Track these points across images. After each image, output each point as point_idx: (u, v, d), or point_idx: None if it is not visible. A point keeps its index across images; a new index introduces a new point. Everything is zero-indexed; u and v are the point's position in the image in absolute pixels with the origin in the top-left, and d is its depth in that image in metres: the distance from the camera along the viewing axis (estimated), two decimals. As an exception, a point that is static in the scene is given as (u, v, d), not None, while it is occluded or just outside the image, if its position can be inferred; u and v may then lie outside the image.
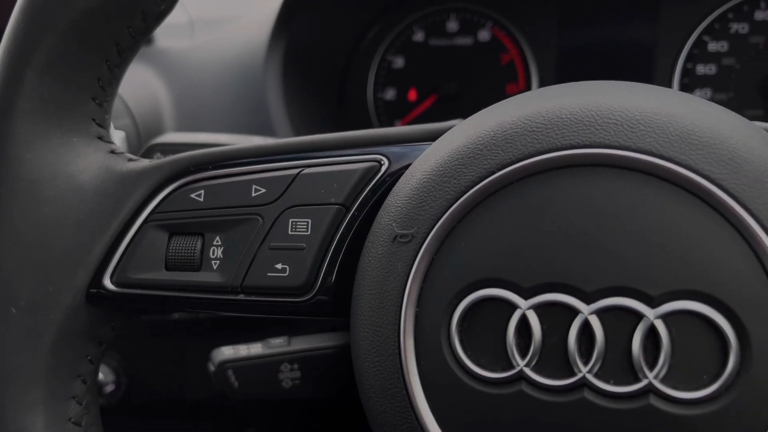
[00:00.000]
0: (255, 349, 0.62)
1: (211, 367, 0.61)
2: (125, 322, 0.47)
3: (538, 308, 0.32)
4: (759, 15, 0.81)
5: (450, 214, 0.34)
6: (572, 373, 0.31)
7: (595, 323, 0.31)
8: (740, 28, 0.82)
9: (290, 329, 0.69)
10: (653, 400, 0.30)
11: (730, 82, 0.82)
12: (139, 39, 0.45)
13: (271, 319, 0.73)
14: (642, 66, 0.85)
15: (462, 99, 0.92)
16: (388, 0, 0.93)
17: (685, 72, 0.84)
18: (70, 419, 0.43)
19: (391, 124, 0.95)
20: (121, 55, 0.44)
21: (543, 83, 0.88)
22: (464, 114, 0.44)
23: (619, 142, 0.32)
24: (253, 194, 0.43)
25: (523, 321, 0.32)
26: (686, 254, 0.30)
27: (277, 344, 0.62)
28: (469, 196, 0.34)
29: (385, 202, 0.39)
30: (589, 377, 0.31)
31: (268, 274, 0.41)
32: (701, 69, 0.83)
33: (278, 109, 0.82)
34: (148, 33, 0.45)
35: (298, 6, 0.83)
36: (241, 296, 0.42)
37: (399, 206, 0.36)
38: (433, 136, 0.42)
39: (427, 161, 0.37)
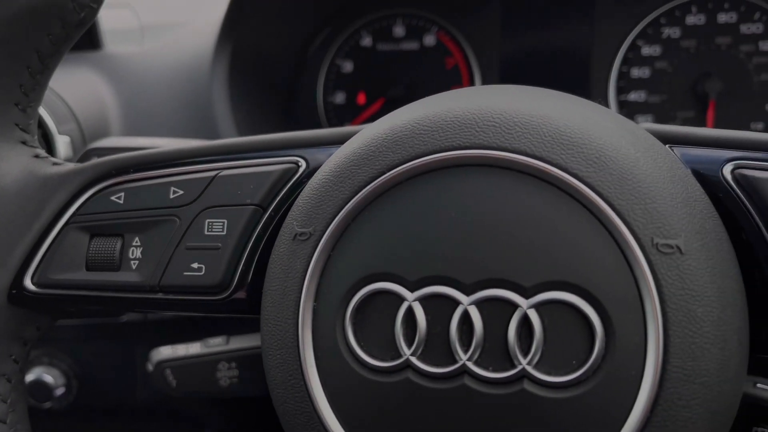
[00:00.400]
0: (193, 348, 0.63)
1: (150, 367, 0.63)
2: (51, 323, 0.48)
3: (423, 300, 0.34)
4: (690, 19, 0.84)
5: (345, 212, 0.36)
6: (454, 361, 0.33)
7: (474, 313, 0.33)
8: (672, 32, 0.85)
9: (235, 329, 0.70)
10: (527, 385, 0.32)
11: (663, 84, 0.85)
12: (61, 46, 0.46)
13: (219, 319, 0.74)
14: (580, 69, 0.88)
15: (409, 102, 0.94)
16: (335, 6, 0.95)
17: (621, 75, 0.86)
18: None
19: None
20: (42, 61, 0.45)
21: (486, 84, 0.91)
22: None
23: (496, 144, 0.34)
24: (171, 196, 0.44)
25: (410, 312, 0.34)
26: (557, 248, 0.32)
27: (216, 343, 0.64)
28: (361, 196, 0.36)
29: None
30: (469, 365, 0.33)
31: (185, 273, 0.43)
32: (636, 72, 0.86)
33: (224, 114, 0.83)
34: (70, 40, 0.46)
35: (243, 12, 0.84)
36: (160, 295, 0.43)
37: (300, 206, 0.38)
38: (347, 139, 0.44)
39: (328, 163, 0.39)
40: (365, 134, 0.38)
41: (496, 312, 0.33)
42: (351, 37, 0.96)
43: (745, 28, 0.83)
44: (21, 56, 0.44)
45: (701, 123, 0.84)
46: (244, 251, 0.43)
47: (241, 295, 0.43)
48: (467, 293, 0.33)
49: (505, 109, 0.35)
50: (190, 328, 0.79)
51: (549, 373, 0.32)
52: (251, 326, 0.71)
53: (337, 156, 0.38)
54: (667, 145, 0.41)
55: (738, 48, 0.83)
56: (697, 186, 0.36)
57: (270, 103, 0.93)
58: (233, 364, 0.63)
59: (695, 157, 0.40)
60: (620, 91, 0.87)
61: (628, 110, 0.86)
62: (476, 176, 0.34)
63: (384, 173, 0.35)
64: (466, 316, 0.33)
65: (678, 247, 0.32)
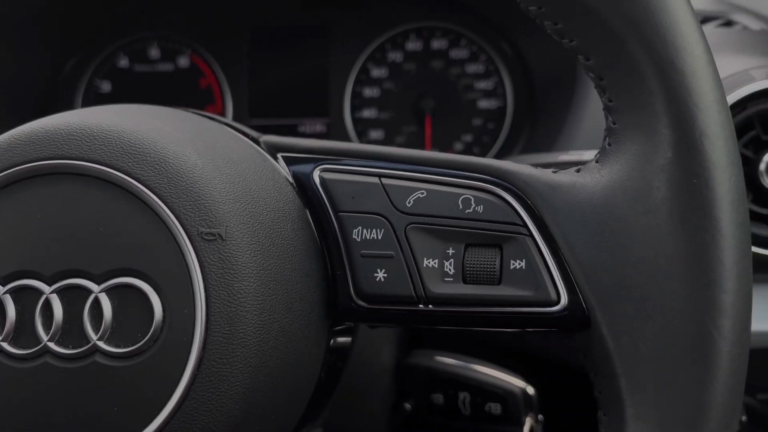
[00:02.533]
0: None
1: None
2: None
3: (12, 293, 0.39)
4: (409, 46, 0.96)
5: None
6: (37, 343, 0.39)
7: (55, 301, 0.39)
8: (396, 56, 0.96)
9: None
10: (98, 358, 0.38)
11: (390, 103, 0.96)
12: None
13: None
14: (319, 90, 0.97)
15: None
16: (88, 28, 0.97)
17: (354, 95, 0.96)
18: None
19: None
20: None
21: (237, 102, 0.98)
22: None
23: (76, 154, 0.40)
24: None
25: (1, 305, 0.39)
26: (123, 240, 0.39)
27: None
28: None
29: None
30: (51, 345, 0.38)
31: None
32: (367, 92, 0.96)
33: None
34: None
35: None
36: None
37: None
38: None
39: None
40: None
41: (75, 298, 0.39)
42: (108, 58, 0.99)
43: (453, 54, 0.95)
44: None
45: (422, 136, 0.95)
46: None
47: None
48: (49, 284, 0.39)
49: (88, 123, 0.41)
50: None
51: (117, 346, 0.38)
52: None
53: None
54: (279, 154, 0.49)
55: (449, 71, 0.95)
56: (272, 188, 0.44)
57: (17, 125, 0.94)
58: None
59: (297, 165, 0.48)
60: (354, 109, 0.96)
61: (363, 126, 0.96)
62: (59, 183, 0.40)
63: None
64: (48, 303, 0.39)
65: (219, 235, 0.39)
